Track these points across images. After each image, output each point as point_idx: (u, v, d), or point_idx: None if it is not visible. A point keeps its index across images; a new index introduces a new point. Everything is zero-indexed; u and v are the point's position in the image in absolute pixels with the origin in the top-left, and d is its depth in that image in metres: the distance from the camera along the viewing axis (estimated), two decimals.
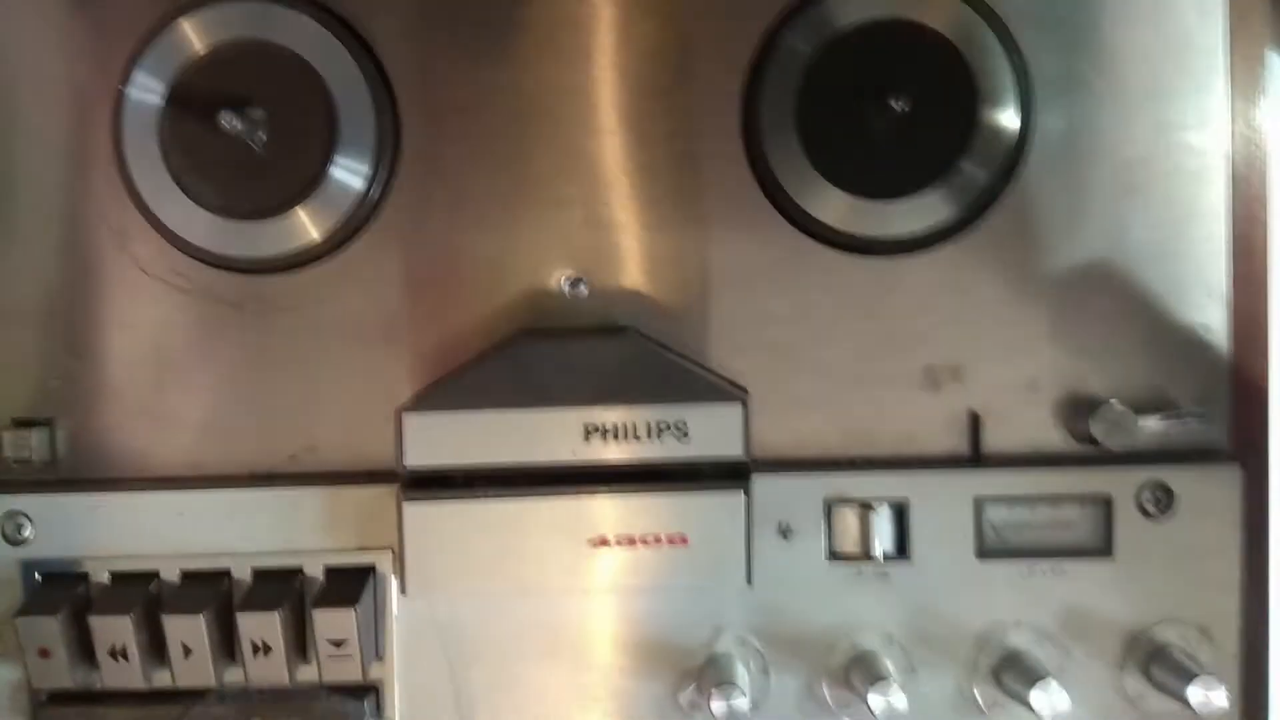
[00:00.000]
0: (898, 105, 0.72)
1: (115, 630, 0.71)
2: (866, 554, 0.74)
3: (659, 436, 0.70)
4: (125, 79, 0.75)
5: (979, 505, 0.74)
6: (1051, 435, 0.76)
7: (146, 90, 0.75)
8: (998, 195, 0.75)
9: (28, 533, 0.75)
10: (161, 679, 0.73)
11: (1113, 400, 0.73)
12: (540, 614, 0.75)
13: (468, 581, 0.71)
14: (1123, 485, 0.74)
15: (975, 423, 0.76)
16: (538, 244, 0.76)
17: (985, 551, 0.74)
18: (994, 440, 0.76)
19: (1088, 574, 0.74)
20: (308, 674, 0.73)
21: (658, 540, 0.70)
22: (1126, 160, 0.75)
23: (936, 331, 0.76)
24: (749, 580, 0.70)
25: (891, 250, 0.76)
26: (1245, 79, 0.75)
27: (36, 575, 0.75)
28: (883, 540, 0.74)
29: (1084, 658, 0.74)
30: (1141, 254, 0.76)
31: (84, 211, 0.76)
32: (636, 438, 0.70)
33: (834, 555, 0.74)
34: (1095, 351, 0.75)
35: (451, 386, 0.72)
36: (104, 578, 0.74)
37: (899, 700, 0.70)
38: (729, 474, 0.71)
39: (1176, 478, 0.74)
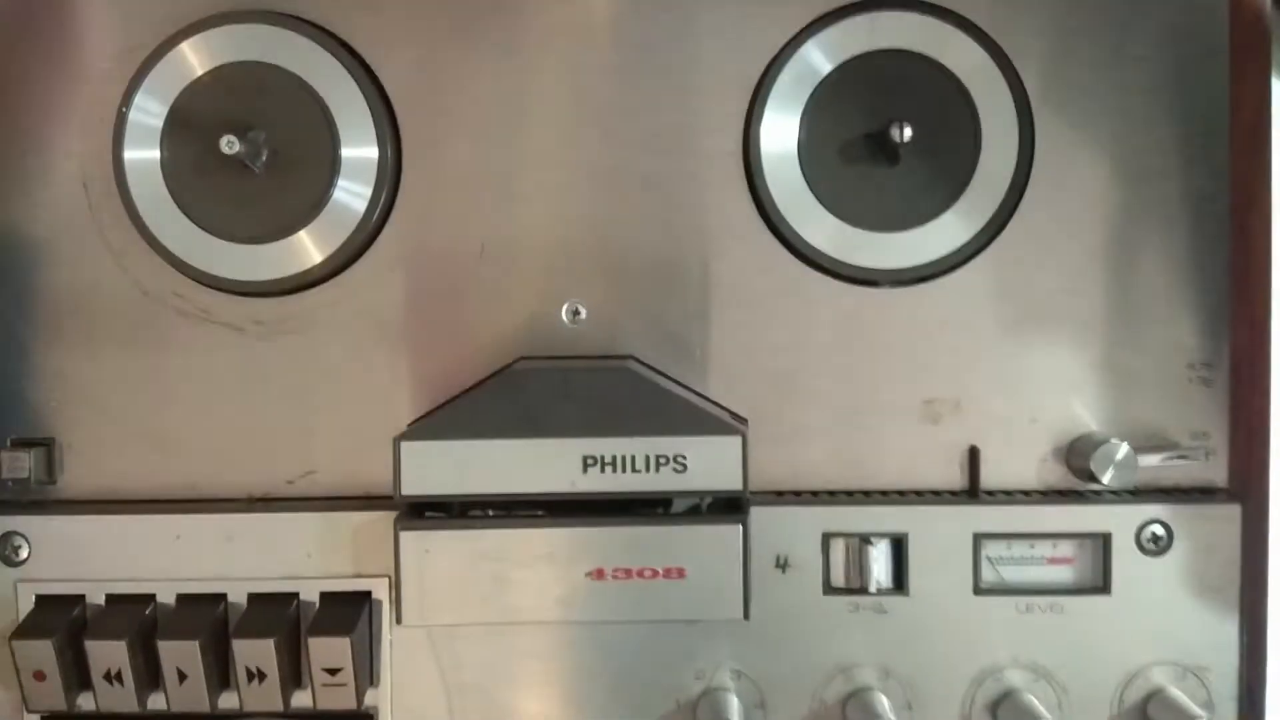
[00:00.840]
0: (899, 136, 0.72)
1: (110, 654, 0.71)
2: (864, 588, 0.74)
3: (657, 469, 0.70)
4: (126, 101, 0.75)
5: (977, 540, 0.74)
6: (1051, 471, 0.76)
7: (147, 112, 0.74)
8: (999, 229, 0.75)
9: (24, 554, 0.75)
10: (156, 703, 0.73)
11: (1113, 438, 0.73)
12: (535, 644, 0.75)
13: (463, 611, 0.70)
14: (1121, 522, 0.74)
15: (974, 457, 0.76)
16: (538, 270, 0.76)
17: (983, 587, 0.74)
18: (993, 475, 0.76)
19: (1085, 611, 0.74)
20: (302, 700, 0.73)
21: (655, 573, 0.70)
22: (1128, 195, 0.75)
23: (937, 364, 0.76)
24: (746, 615, 0.70)
25: (893, 282, 0.76)
26: (1248, 116, 0.75)
27: (32, 597, 0.74)
28: (880, 574, 0.74)
29: (1080, 696, 0.74)
30: (1141, 290, 0.75)
31: (84, 232, 0.76)
32: (635, 470, 0.69)
33: (831, 588, 0.74)
34: (1095, 388, 0.75)
35: (449, 414, 0.72)
36: (100, 600, 0.74)
37: None
38: (727, 506, 0.71)
39: (1175, 515, 0.74)
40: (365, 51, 0.76)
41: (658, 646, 0.74)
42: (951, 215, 0.75)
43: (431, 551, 0.70)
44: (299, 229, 0.75)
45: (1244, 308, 0.75)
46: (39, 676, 0.72)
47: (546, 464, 0.70)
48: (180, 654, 0.71)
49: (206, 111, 0.74)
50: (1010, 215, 0.75)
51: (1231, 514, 0.74)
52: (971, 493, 0.76)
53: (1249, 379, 0.74)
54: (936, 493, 0.76)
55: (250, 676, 0.72)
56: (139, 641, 0.72)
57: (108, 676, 0.72)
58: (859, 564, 0.74)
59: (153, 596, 0.74)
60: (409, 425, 0.74)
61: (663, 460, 0.70)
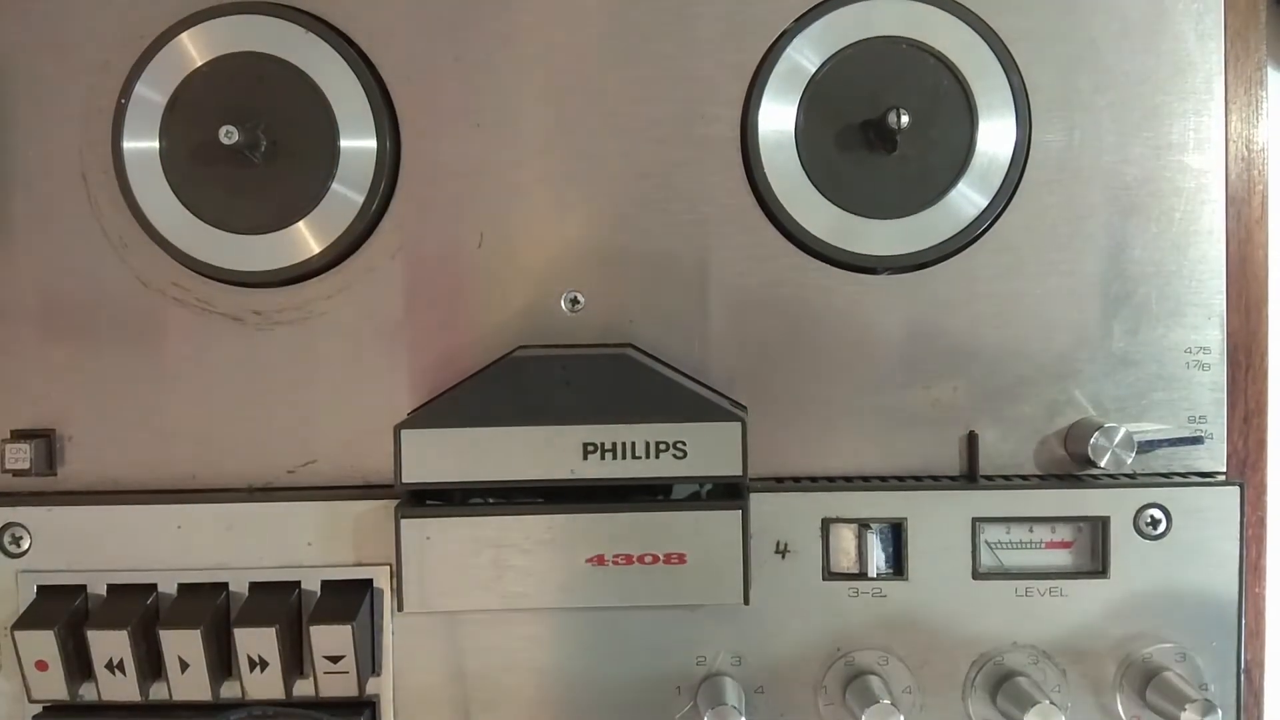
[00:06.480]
0: (896, 123, 0.72)
1: (112, 643, 0.72)
2: (864, 573, 0.74)
3: (657, 455, 0.70)
4: (126, 91, 0.75)
5: (976, 525, 0.74)
6: (1049, 456, 0.76)
7: (147, 103, 0.75)
8: (996, 215, 0.75)
9: (25, 545, 0.75)
10: (158, 692, 0.73)
11: (1110, 422, 0.73)
12: (536, 630, 0.75)
13: (464, 598, 0.71)
14: (1120, 506, 0.74)
15: (973, 442, 0.76)
16: (537, 259, 0.76)
17: (981, 571, 0.74)
18: (991, 460, 0.76)
19: (1084, 594, 0.74)
20: (304, 688, 0.73)
21: (655, 559, 0.70)
22: (1124, 180, 0.76)
23: (935, 350, 0.76)
24: (746, 600, 0.70)
25: (890, 268, 0.76)
26: (1243, 101, 0.75)
27: (34, 587, 0.74)
28: (880, 559, 0.74)
29: (1079, 679, 0.74)
30: (1139, 274, 0.76)
31: (84, 223, 0.76)
32: (635, 456, 0.70)
33: (831, 574, 0.74)
34: (1093, 372, 0.76)
35: (449, 403, 0.72)
36: (101, 590, 0.74)
37: None
38: (727, 492, 0.71)
39: (1173, 499, 0.74)
40: (364, 42, 0.76)
41: (658, 632, 0.74)
42: (948, 202, 0.75)
43: (432, 539, 0.71)
44: (298, 219, 0.75)
45: (1240, 289, 0.75)
46: (41, 666, 0.72)
47: (546, 451, 0.70)
48: (182, 643, 0.71)
49: (205, 102, 0.75)
50: (1007, 203, 0.75)
51: (1230, 496, 0.74)
52: (970, 478, 0.76)
53: (1246, 362, 0.75)
54: (935, 478, 0.76)
55: (252, 665, 0.72)
56: (140, 631, 0.72)
57: (110, 666, 0.72)
58: (859, 549, 0.74)
59: (154, 586, 0.74)
60: (409, 414, 0.74)
61: (663, 447, 0.70)
